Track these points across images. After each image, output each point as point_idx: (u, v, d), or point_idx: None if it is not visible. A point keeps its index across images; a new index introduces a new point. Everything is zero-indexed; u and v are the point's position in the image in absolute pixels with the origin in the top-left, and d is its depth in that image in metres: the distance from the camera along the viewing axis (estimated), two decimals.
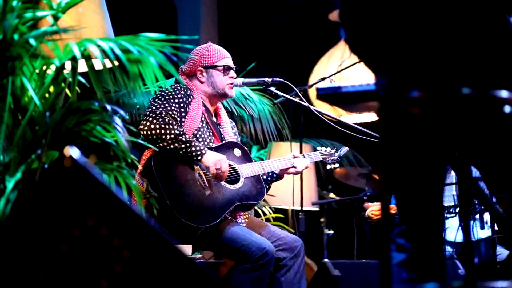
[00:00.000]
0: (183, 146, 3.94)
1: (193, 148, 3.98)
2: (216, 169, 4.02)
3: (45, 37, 2.78)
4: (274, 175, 4.49)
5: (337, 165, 4.69)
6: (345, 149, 4.73)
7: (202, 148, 4.01)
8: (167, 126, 3.92)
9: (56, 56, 2.80)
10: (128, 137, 2.86)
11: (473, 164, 2.72)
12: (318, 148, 4.75)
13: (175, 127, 3.95)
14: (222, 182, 4.11)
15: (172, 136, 3.92)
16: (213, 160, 4.03)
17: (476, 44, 2.43)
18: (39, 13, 2.82)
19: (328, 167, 4.71)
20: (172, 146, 3.93)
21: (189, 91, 4.18)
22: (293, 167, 4.40)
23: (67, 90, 2.83)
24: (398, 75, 2.46)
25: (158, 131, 3.91)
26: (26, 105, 2.80)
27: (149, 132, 3.91)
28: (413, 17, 2.42)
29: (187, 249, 3.84)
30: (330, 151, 4.68)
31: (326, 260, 4.08)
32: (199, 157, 4.00)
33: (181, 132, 3.96)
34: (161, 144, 3.92)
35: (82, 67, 2.86)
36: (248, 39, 8.49)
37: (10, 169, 2.68)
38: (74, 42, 2.76)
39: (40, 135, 2.72)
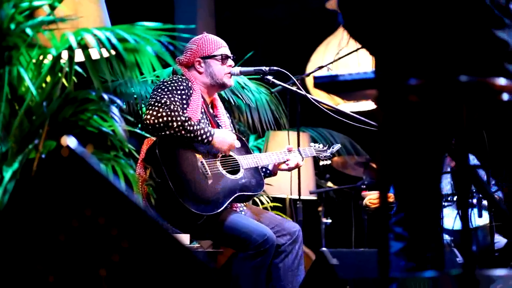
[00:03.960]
0: (190, 134, 3.95)
1: (200, 134, 3.99)
2: (230, 146, 4.13)
3: (42, 27, 2.77)
4: (268, 172, 4.50)
5: (329, 161, 4.73)
6: (337, 146, 4.78)
7: (208, 133, 4.03)
8: (173, 113, 3.92)
9: (53, 45, 2.79)
10: (125, 127, 2.86)
11: (471, 152, 2.72)
12: (311, 144, 4.78)
13: (180, 113, 3.95)
14: (223, 172, 4.12)
15: (179, 123, 3.92)
16: (224, 140, 4.10)
17: (473, 32, 2.43)
18: (36, 3, 2.81)
19: (321, 163, 4.74)
20: (178, 134, 3.94)
21: (189, 83, 4.18)
22: (286, 163, 4.41)
23: (64, 80, 2.82)
24: (396, 59, 2.46)
25: (165, 118, 3.91)
26: (23, 95, 2.79)
27: (155, 121, 3.90)
28: (411, 2, 2.42)
29: (185, 238, 3.85)
30: (323, 147, 4.71)
31: (324, 248, 4.07)
32: (209, 140, 4.02)
33: (187, 119, 3.96)
34: (167, 132, 3.92)
35: (79, 56, 2.86)
36: (245, 29, 8.48)
37: (7, 159, 2.68)
38: (70, 31, 2.76)
39: (37, 125, 2.72)
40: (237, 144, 4.18)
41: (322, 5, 6.76)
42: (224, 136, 4.11)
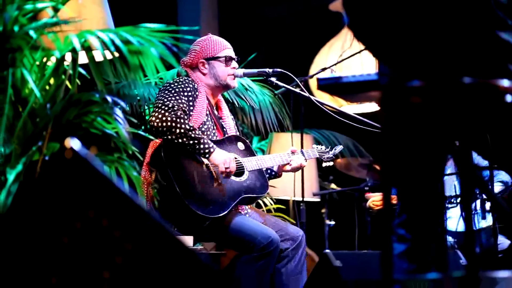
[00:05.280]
0: (191, 142, 3.94)
1: (202, 146, 3.98)
2: (225, 168, 4.04)
3: (45, 29, 2.78)
4: (273, 173, 4.50)
5: (331, 163, 4.72)
6: (339, 148, 4.77)
7: (210, 145, 4.01)
8: (178, 120, 3.91)
9: (57, 47, 2.79)
10: (128, 129, 2.86)
11: (475, 152, 2.71)
12: (314, 145, 4.77)
13: (186, 121, 3.95)
14: None
15: (182, 130, 3.91)
16: (221, 159, 4.04)
17: (478, 33, 2.43)
18: (39, 5, 2.82)
19: (324, 164, 4.73)
20: (180, 141, 3.93)
21: (195, 85, 4.17)
22: (289, 163, 4.41)
23: (67, 82, 2.83)
24: (401, 61, 2.46)
25: (169, 123, 3.90)
26: (27, 97, 2.80)
27: (159, 124, 3.90)
28: (417, 3, 2.42)
29: (188, 240, 3.85)
30: (326, 149, 4.70)
31: (327, 250, 4.07)
32: (207, 155, 4.00)
33: (191, 128, 3.95)
34: (169, 137, 3.92)
35: (83, 58, 2.86)
36: (248, 30, 8.48)
37: (11, 161, 2.68)
38: (74, 33, 2.76)
39: (41, 127, 2.72)
40: (234, 166, 4.14)
41: (325, 4, 6.76)
42: (224, 154, 4.08)
